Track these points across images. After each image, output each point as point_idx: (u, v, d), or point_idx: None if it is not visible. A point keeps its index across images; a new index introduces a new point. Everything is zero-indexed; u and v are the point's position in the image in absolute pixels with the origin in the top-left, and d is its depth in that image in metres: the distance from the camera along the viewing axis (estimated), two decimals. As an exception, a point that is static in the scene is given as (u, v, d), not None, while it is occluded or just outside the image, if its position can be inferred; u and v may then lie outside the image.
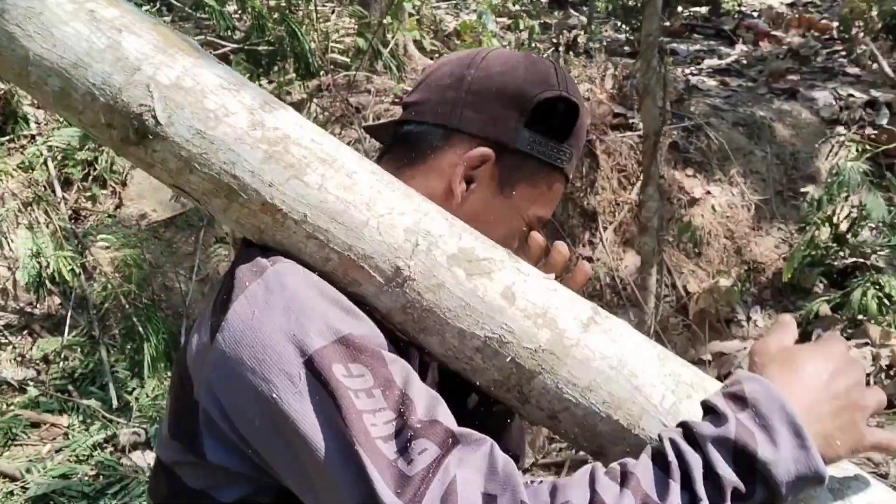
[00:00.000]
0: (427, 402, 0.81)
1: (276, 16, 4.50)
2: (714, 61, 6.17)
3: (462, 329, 0.88)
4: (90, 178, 4.27)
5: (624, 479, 0.77)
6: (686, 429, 0.81)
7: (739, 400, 0.80)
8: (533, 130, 1.02)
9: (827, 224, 4.04)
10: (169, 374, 3.58)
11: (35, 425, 3.42)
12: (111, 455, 3.22)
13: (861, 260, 4.04)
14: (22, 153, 4.25)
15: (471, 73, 1.03)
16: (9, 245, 3.93)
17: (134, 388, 3.53)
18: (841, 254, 4.13)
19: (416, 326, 0.90)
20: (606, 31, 6.58)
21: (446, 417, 0.81)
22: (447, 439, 0.78)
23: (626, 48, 6.16)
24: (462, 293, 0.88)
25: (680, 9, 7.42)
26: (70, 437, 3.35)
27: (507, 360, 0.88)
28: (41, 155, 4.16)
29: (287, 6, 4.64)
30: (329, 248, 0.88)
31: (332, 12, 6.10)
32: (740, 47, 6.51)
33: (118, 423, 3.34)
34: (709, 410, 0.82)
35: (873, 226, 4.12)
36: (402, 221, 0.89)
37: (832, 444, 0.80)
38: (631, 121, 4.74)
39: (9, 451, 3.30)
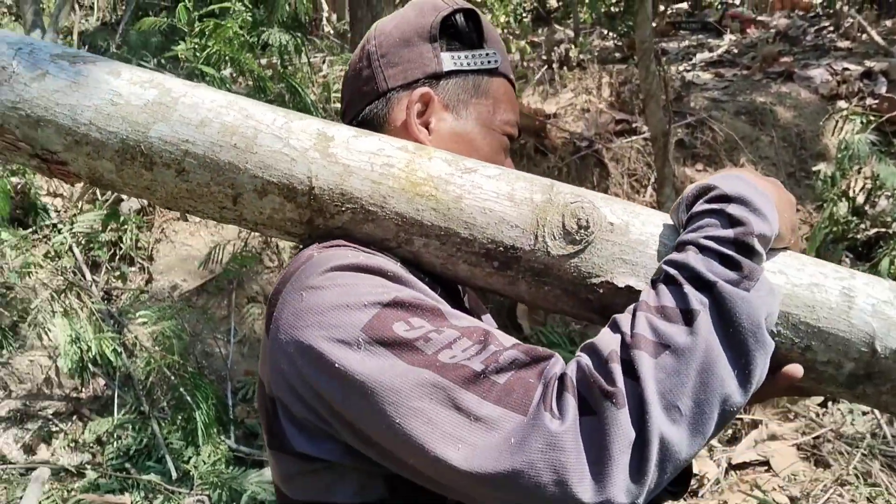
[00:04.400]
0: (494, 331, 0.85)
1: (269, 73, 4.59)
2: (705, 55, 6.23)
3: (73, 104, 0.97)
4: (117, 257, 4.35)
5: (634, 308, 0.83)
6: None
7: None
8: (451, 50, 1.06)
9: (843, 199, 4.06)
10: (222, 438, 3.62)
11: (98, 507, 3.46)
12: (178, 526, 3.26)
13: (883, 229, 4.06)
14: (46, 243, 4.34)
15: (372, 44, 1.09)
16: (47, 334, 4.00)
17: (190, 457, 3.56)
18: (862, 226, 4.15)
19: (29, 121, 0.98)
20: (593, 40, 6.66)
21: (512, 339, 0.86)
22: (530, 354, 0.82)
23: (617, 54, 6.23)
24: (68, 77, 0.99)
25: (662, 8, 7.50)
26: (134, 514, 3.39)
27: (120, 121, 0.96)
28: (66, 242, 4.24)
29: (281, 63, 4.74)
30: None
31: (324, 62, 6.22)
32: (728, 37, 6.57)
33: (180, 493, 3.37)
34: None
35: (889, 194, 4.14)
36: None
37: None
38: (634, 125, 4.79)
39: (76, 536, 3.34)
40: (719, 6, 7.39)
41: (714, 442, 3.45)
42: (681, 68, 5.89)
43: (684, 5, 7.82)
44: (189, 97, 0.98)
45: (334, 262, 0.88)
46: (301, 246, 1.01)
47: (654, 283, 0.84)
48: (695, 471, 1.01)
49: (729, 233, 0.83)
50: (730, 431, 3.57)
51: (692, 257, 0.82)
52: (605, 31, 6.80)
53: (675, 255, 0.85)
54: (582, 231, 0.92)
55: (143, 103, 0.97)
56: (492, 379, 0.79)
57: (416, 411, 0.78)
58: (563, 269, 0.93)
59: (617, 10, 6.98)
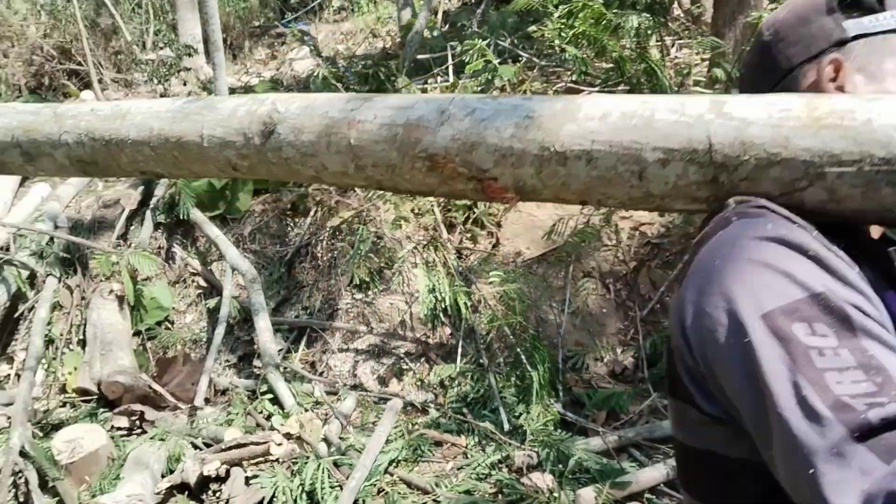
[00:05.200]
0: None
1: (626, 53, 4.65)
2: None
3: (497, 126, 1.17)
4: (470, 221, 4.71)
5: None
6: None
7: None
8: (852, 18, 1.06)
9: None
10: (552, 401, 3.80)
11: (437, 444, 3.81)
12: (509, 475, 3.49)
13: None
14: (413, 200, 4.81)
15: (765, 36, 1.12)
16: (407, 282, 4.47)
17: (521, 414, 3.78)
18: None
19: (465, 147, 1.19)
20: None
21: None
22: None
23: None
24: (490, 108, 1.20)
25: None
26: (468, 456, 3.68)
27: (535, 130, 1.13)
28: (430, 201, 4.68)
29: (636, 45, 4.77)
30: None
31: (673, 45, 6.13)
32: None
33: (511, 444, 3.61)
34: None
35: None
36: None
37: None
38: None
39: (417, 466, 3.71)
40: None
41: None
42: None
43: None
44: (590, 101, 1.13)
45: (752, 232, 0.88)
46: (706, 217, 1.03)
47: None
48: None
49: None
50: None
51: None
52: None
53: None
54: None
55: (552, 112, 1.14)
56: (871, 423, 0.72)
57: (782, 420, 0.76)
58: None
59: None
